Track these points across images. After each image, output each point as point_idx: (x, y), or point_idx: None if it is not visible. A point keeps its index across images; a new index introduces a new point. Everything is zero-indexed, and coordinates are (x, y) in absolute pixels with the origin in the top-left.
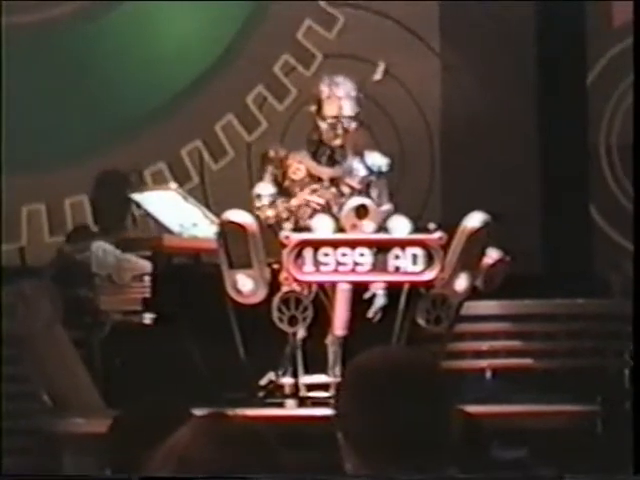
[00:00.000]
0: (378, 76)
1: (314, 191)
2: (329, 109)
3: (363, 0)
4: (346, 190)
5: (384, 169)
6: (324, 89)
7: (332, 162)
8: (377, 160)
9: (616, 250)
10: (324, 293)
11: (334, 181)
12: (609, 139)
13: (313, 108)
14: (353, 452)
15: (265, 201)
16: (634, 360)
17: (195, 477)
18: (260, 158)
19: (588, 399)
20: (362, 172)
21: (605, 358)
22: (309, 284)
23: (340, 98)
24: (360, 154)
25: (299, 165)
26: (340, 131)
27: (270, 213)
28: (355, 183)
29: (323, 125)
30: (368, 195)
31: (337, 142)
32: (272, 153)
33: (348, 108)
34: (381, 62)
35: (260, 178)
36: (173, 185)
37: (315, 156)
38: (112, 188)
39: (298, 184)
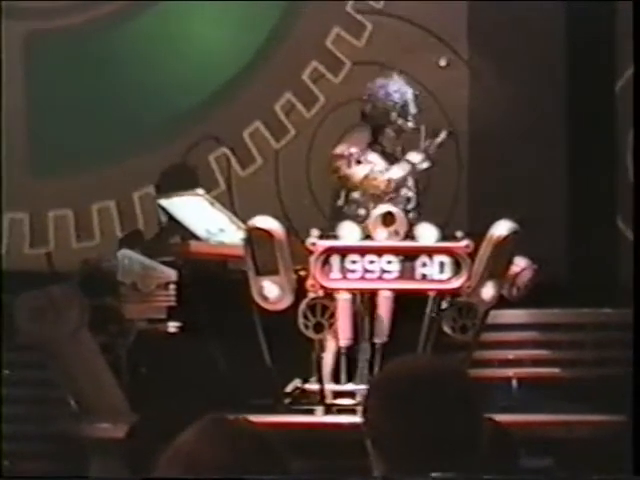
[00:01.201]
0: (443, 63)
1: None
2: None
3: (391, 4)
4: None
5: (423, 166)
6: (392, 94)
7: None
8: (417, 157)
9: None
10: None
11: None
12: (637, 148)
13: (394, 115)
14: (382, 460)
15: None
16: (634, 364)
17: (199, 479)
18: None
19: (615, 409)
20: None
21: (632, 368)
22: (336, 290)
23: (409, 108)
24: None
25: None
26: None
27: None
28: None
29: (390, 133)
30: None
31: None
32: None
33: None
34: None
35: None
36: (200, 191)
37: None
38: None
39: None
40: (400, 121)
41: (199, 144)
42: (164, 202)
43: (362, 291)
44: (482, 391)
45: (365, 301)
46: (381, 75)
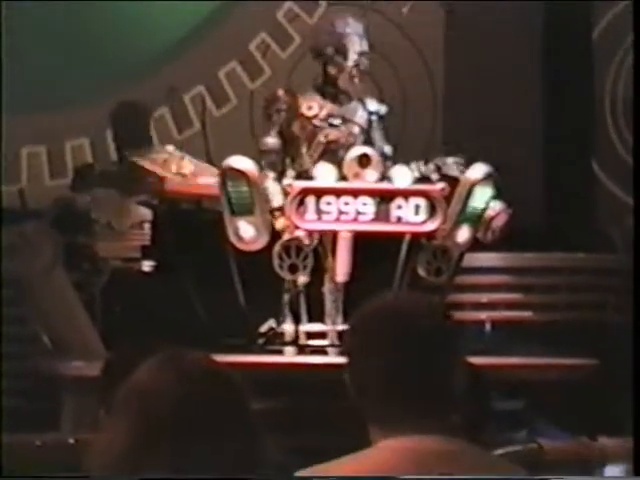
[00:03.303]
0: (405, 9)
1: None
2: (348, 48)
3: None
4: (355, 129)
5: (382, 112)
6: (337, 30)
7: (338, 104)
8: (376, 105)
9: (617, 205)
10: (325, 240)
11: (343, 120)
12: (613, 94)
13: (330, 50)
14: (362, 400)
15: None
16: (634, 356)
17: (198, 478)
18: (265, 101)
19: (587, 352)
20: (365, 115)
21: (605, 312)
22: (311, 232)
23: (355, 36)
24: (361, 100)
25: (311, 103)
26: (356, 71)
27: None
28: (362, 122)
29: (332, 70)
30: (370, 137)
31: (355, 81)
32: (281, 92)
33: (364, 45)
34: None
35: (263, 125)
36: (170, 148)
37: (323, 98)
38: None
39: (307, 124)
40: (337, 57)
41: (174, 83)
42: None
43: (321, 232)
44: (459, 331)
45: (326, 242)
46: (343, 14)
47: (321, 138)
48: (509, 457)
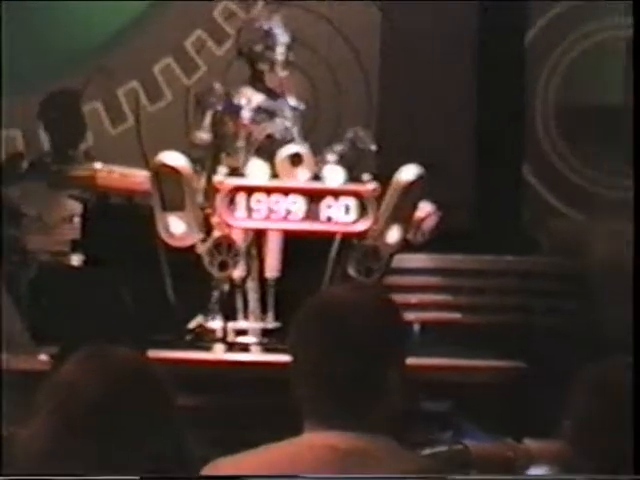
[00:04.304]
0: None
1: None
2: (267, 51)
3: None
4: (288, 124)
5: (301, 109)
6: (264, 27)
7: (269, 99)
8: (295, 101)
9: (545, 209)
10: (256, 238)
11: (275, 114)
12: (545, 99)
13: (260, 47)
14: (295, 390)
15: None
16: (634, 358)
17: (199, 477)
18: (199, 94)
19: (514, 355)
20: (290, 111)
21: (532, 315)
22: (243, 229)
23: (280, 30)
24: (284, 96)
25: (246, 96)
26: (284, 65)
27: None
28: (290, 117)
29: (263, 66)
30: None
31: (283, 75)
32: (217, 85)
33: (289, 39)
34: None
35: (197, 120)
36: (98, 165)
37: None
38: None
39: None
40: (267, 53)
41: (108, 78)
42: None
43: (248, 229)
44: (395, 331)
45: (254, 239)
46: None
47: (256, 133)
48: (435, 458)
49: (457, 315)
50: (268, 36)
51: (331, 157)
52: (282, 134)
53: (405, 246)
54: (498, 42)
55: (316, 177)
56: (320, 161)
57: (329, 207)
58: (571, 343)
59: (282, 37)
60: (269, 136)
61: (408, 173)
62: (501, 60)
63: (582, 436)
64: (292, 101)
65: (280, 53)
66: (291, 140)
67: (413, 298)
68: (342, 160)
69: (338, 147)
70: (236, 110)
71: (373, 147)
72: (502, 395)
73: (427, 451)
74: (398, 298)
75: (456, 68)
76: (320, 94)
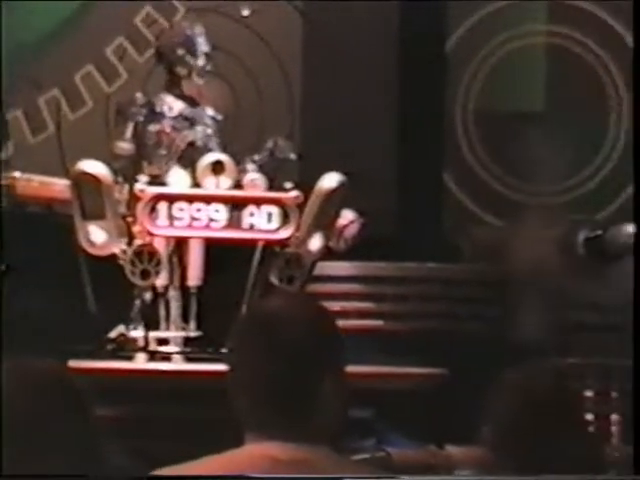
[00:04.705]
0: (246, 12)
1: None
2: (188, 56)
3: None
4: (209, 131)
5: (218, 119)
6: (186, 32)
7: (188, 106)
8: (212, 111)
9: (466, 216)
10: (178, 246)
11: (196, 122)
12: (465, 106)
13: (181, 51)
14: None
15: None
16: (634, 355)
17: (198, 477)
18: (122, 104)
19: (436, 362)
20: (209, 119)
21: (454, 322)
22: (165, 238)
23: (201, 38)
24: (202, 104)
25: (167, 104)
26: (204, 72)
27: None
28: (211, 125)
29: (182, 71)
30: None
31: (199, 83)
32: (138, 95)
33: (209, 47)
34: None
35: (119, 129)
36: (17, 174)
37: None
38: None
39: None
40: (188, 58)
41: (30, 86)
42: None
43: (169, 237)
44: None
45: (175, 247)
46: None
47: (178, 141)
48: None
49: (380, 322)
50: (190, 42)
51: (251, 166)
52: (204, 142)
53: (327, 253)
54: (420, 49)
55: (238, 185)
56: (241, 170)
57: (251, 215)
58: (493, 349)
59: (204, 46)
60: (191, 144)
61: (330, 181)
62: (422, 67)
63: (502, 441)
64: (210, 111)
65: (200, 61)
66: (213, 148)
67: (336, 306)
68: (263, 168)
69: (258, 156)
70: (158, 119)
71: (293, 156)
72: (425, 402)
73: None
74: None
75: (377, 75)
76: (242, 102)
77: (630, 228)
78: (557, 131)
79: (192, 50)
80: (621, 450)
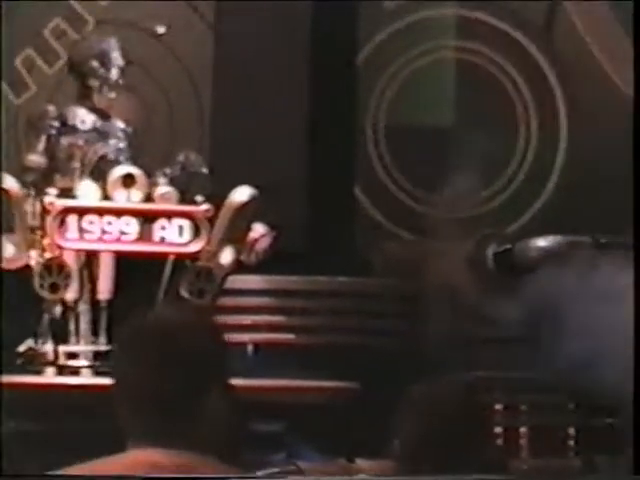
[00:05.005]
0: (162, 30)
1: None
2: (102, 69)
3: None
4: (121, 145)
5: (129, 131)
6: (101, 45)
7: (100, 119)
8: (122, 124)
9: (378, 230)
10: (88, 259)
11: (108, 135)
12: (376, 120)
13: (95, 63)
14: (119, 408)
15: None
16: (635, 361)
17: (199, 477)
18: (33, 117)
19: (347, 376)
20: (121, 132)
21: (365, 336)
22: (75, 251)
23: (115, 51)
24: (113, 117)
25: (79, 117)
26: (115, 85)
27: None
28: (123, 137)
29: (94, 83)
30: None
31: (110, 96)
32: (51, 108)
33: (121, 60)
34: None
35: (29, 141)
36: None
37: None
38: None
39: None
40: (101, 70)
41: None
42: None
43: (80, 251)
44: (221, 351)
45: (86, 260)
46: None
47: (90, 154)
48: (268, 478)
49: (291, 336)
50: (104, 55)
51: (162, 180)
52: (115, 155)
53: (238, 267)
54: (330, 64)
55: (149, 198)
56: (152, 183)
57: (163, 228)
58: (403, 363)
59: (117, 60)
60: (102, 157)
61: (241, 194)
62: (333, 82)
63: (412, 454)
64: (121, 124)
65: (114, 74)
66: (124, 161)
67: (246, 319)
68: (174, 182)
69: (169, 170)
70: (71, 132)
71: (204, 170)
72: (336, 416)
73: (261, 472)
74: (231, 319)
75: (288, 90)
76: (152, 115)
77: (540, 242)
78: (466, 145)
79: (106, 63)
80: (529, 463)
